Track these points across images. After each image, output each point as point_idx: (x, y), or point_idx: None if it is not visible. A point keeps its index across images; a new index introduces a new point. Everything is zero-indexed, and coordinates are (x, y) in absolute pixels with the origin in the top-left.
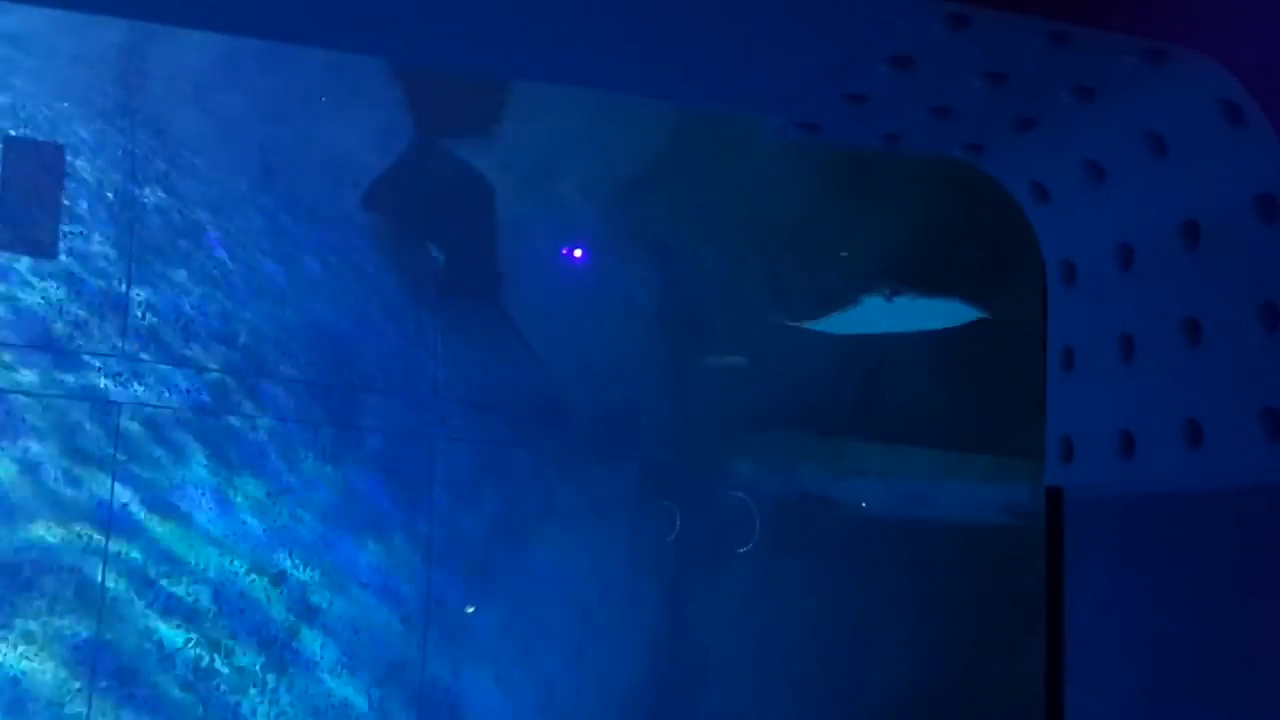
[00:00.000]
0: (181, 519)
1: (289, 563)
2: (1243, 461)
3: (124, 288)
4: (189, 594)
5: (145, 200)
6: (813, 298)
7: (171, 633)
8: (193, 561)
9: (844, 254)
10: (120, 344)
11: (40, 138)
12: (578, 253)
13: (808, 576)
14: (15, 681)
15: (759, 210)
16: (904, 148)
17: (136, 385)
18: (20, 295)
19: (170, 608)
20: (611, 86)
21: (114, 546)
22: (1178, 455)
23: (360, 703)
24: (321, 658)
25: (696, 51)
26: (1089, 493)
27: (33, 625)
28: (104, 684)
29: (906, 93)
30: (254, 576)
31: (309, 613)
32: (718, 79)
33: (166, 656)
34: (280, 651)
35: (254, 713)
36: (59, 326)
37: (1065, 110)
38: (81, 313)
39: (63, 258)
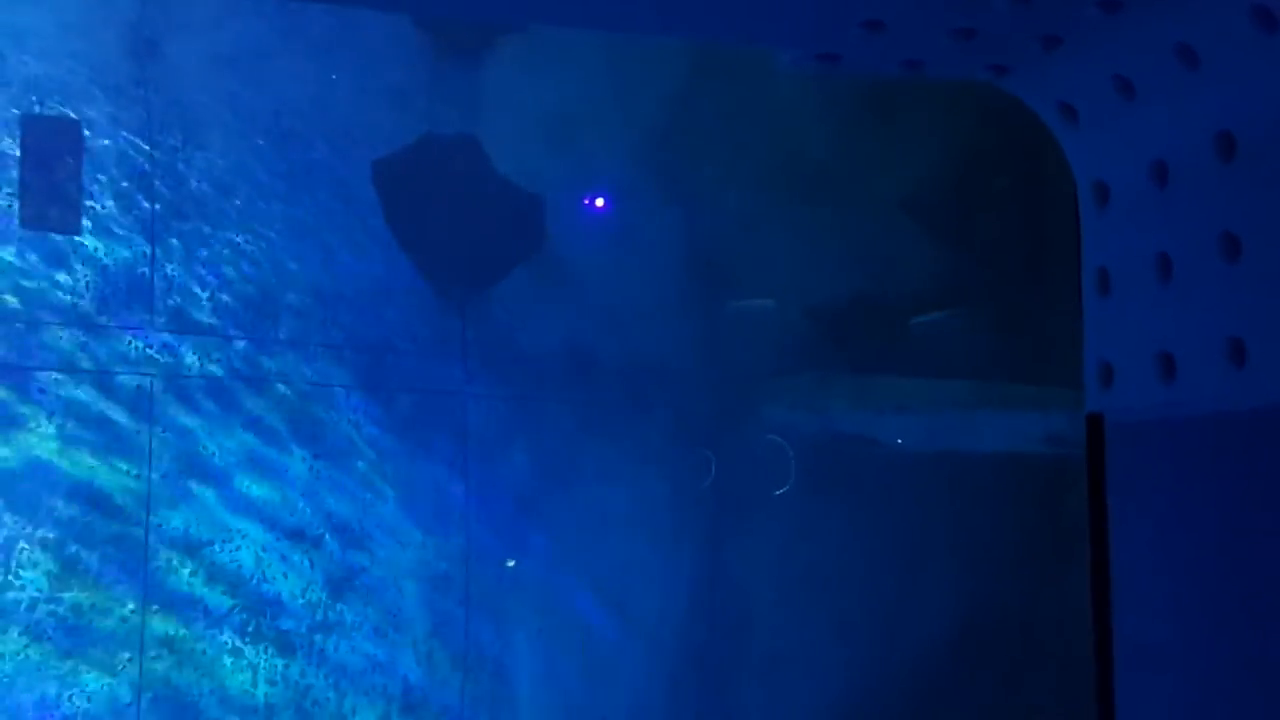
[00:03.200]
0: (218, 487)
1: (326, 527)
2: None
3: (148, 260)
4: (232, 561)
5: (164, 172)
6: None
7: (217, 599)
8: (233, 528)
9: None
10: (148, 316)
11: (56, 114)
12: (599, 202)
13: (846, 515)
14: (67, 653)
15: (780, 150)
16: (926, 73)
17: (165, 357)
18: (46, 272)
19: (214, 575)
20: (624, 27)
21: (154, 518)
22: (1220, 375)
23: (406, 660)
24: (365, 619)
25: None
26: (1130, 417)
27: (81, 597)
28: (153, 653)
29: (926, 16)
30: (293, 541)
31: (350, 575)
32: (731, 13)
33: (213, 623)
34: (325, 614)
35: (302, 674)
36: (86, 302)
37: (1092, 25)
38: (108, 287)
39: (86, 233)
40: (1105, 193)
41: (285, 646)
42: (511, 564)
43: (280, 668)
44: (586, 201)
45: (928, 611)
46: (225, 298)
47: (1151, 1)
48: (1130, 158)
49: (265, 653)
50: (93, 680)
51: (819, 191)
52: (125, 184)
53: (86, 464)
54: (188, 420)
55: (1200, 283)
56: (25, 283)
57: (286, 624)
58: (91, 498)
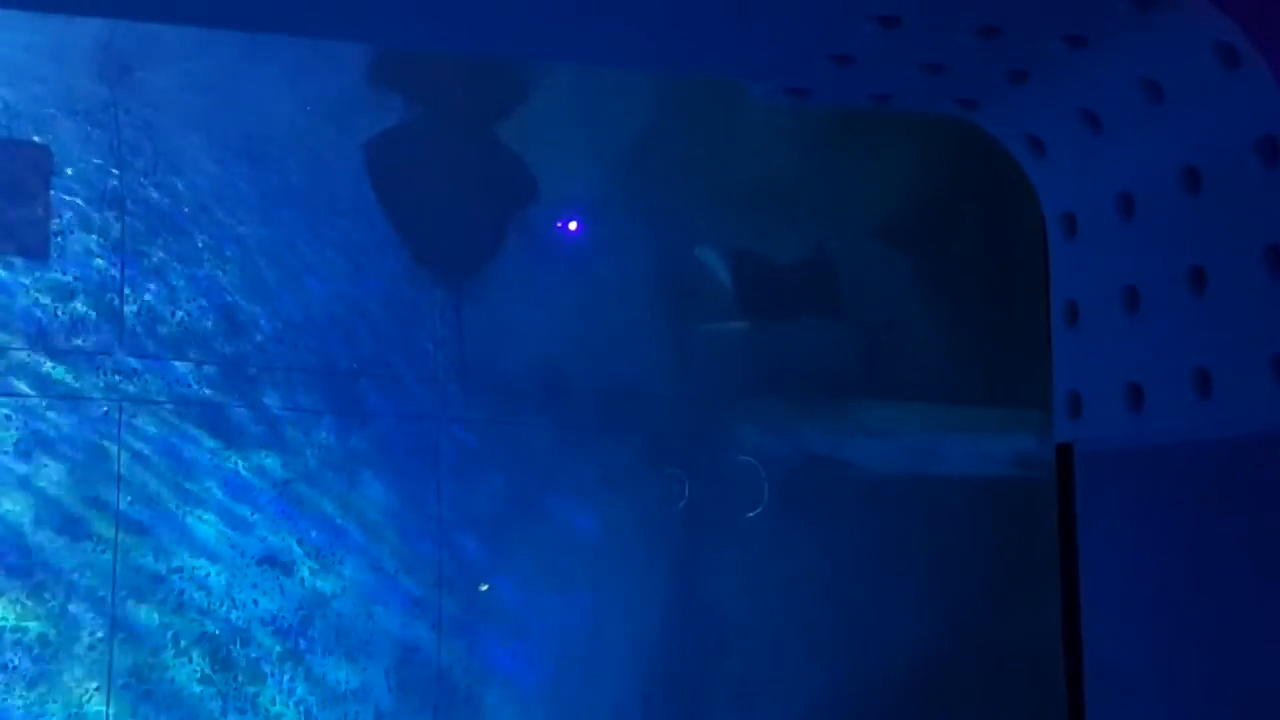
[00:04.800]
0: (187, 513)
1: (298, 553)
2: (1253, 409)
3: (119, 284)
4: (200, 587)
5: (134, 195)
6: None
7: (186, 625)
8: (202, 554)
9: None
10: (117, 341)
11: (22, 138)
12: (572, 225)
13: (819, 537)
14: (33, 683)
15: (751, 173)
16: (895, 107)
17: (136, 381)
18: (13, 298)
19: (184, 602)
20: (595, 61)
21: (124, 542)
22: (1187, 406)
23: (379, 685)
24: (337, 644)
25: (678, 20)
26: (1099, 447)
27: (48, 628)
28: (121, 681)
29: (895, 51)
30: (265, 566)
31: (322, 600)
32: (702, 48)
33: (182, 651)
34: (295, 639)
35: (273, 701)
36: (55, 327)
37: (1057, 60)
38: (76, 311)
39: (54, 258)
40: (1073, 225)
41: (255, 675)
42: (485, 588)
43: (250, 695)
44: (559, 224)
45: (900, 632)
46: (196, 322)
47: (1116, 37)
48: (1097, 191)
49: (234, 681)
50: (58, 710)
51: (790, 215)
52: (94, 208)
53: (53, 490)
54: (156, 445)
55: (1167, 314)
56: None
57: (256, 652)
58: (58, 524)
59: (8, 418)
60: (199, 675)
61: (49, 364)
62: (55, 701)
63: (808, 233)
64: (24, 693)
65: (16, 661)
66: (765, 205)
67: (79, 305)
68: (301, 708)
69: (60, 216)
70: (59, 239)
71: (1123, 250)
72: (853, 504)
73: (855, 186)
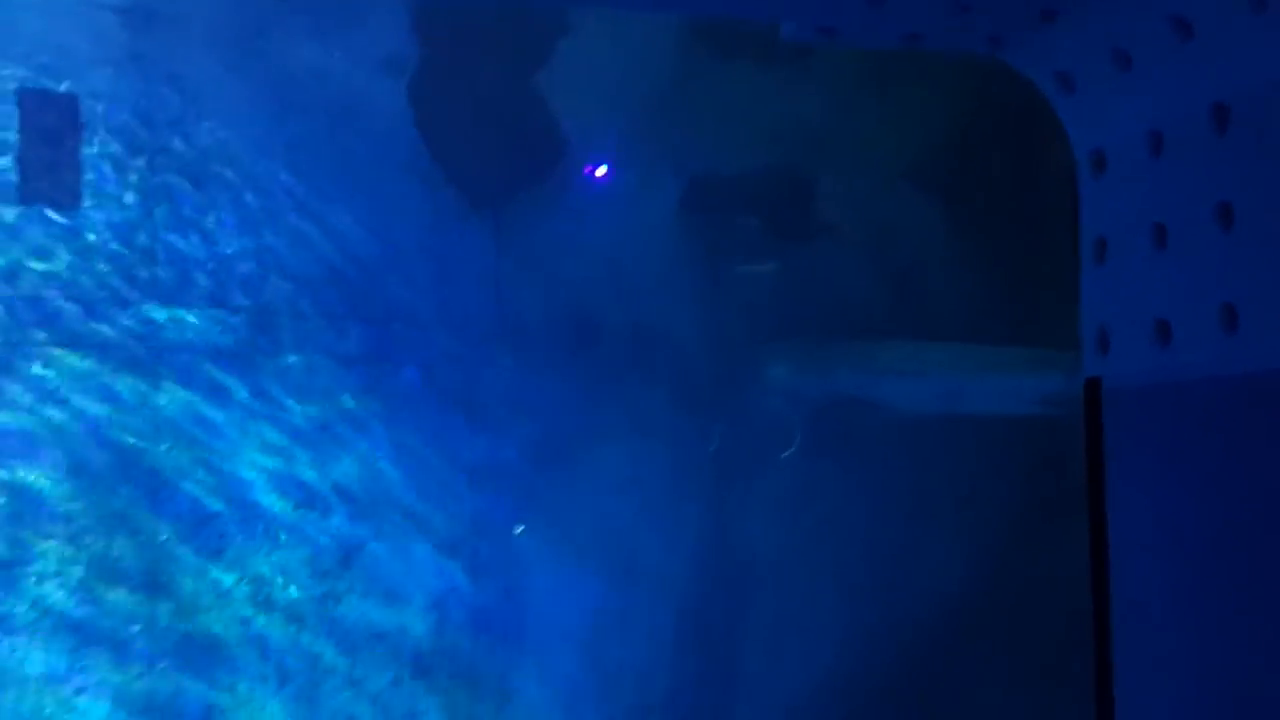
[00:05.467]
0: (225, 459)
1: (335, 496)
2: (1268, 347)
3: (149, 232)
4: (240, 532)
5: (163, 145)
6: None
7: (224, 572)
8: (239, 500)
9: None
10: (150, 289)
11: (53, 88)
12: (600, 171)
13: (849, 479)
14: (77, 627)
15: (779, 117)
16: (925, 46)
17: (170, 331)
18: (47, 248)
19: (222, 547)
20: (626, 5)
21: (164, 492)
22: (1214, 341)
23: (416, 628)
24: (374, 587)
25: None
26: (1126, 382)
27: (90, 573)
28: (164, 624)
29: None
30: (301, 512)
31: (359, 543)
32: None
33: (223, 594)
34: (334, 582)
35: (313, 641)
36: (87, 278)
37: (1089, 1)
38: (109, 260)
39: (86, 208)
40: (1102, 162)
41: (295, 615)
42: (520, 530)
43: (292, 634)
44: (588, 170)
45: (930, 572)
46: (227, 269)
47: None
48: (1127, 128)
49: (275, 622)
50: (105, 656)
51: (819, 158)
52: (124, 157)
53: (91, 438)
54: (193, 394)
55: (1194, 251)
56: (27, 258)
57: (296, 592)
58: (96, 472)
59: (45, 365)
60: (239, 617)
61: (82, 313)
62: (98, 645)
63: (837, 175)
64: (68, 634)
65: (60, 600)
66: (794, 148)
67: (110, 254)
68: (342, 647)
69: (91, 166)
70: (90, 189)
71: (1151, 187)
72: (882, 445)
73: (884, 129)
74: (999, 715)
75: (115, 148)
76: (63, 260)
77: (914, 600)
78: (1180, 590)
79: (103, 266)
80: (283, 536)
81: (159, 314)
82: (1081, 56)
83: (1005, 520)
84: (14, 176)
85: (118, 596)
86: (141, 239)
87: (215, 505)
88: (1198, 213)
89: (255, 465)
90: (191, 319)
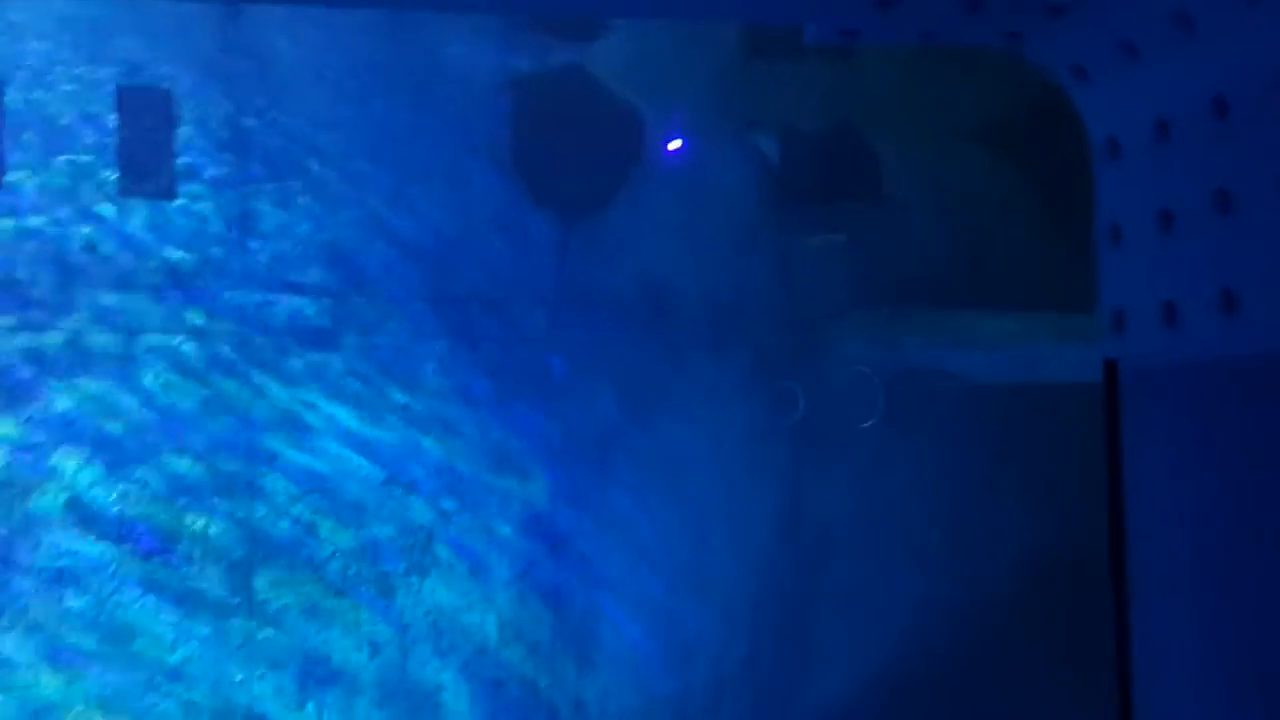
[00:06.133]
0: (317, 437)
1: (420, 471)
2: (1274, 324)
3: (241, 220)
4: (332, 508)
5: (252, 135)
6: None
7: (317, 545)
8: (330, 476)
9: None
10: (243, 274)
11: (148, 84)
12: (675, 144)
13: (924, 449)
14: (182, 598)
15: (848, 84)
16: (942, 41)
17: (262, 314)
18: (145, 237)
19: (315, 523)
20: (658, 14)
21: (259, 468)
22: (1215, 323)
23: (500, 598)
24: (459, 559)
25: None
26: (1140, 363)
27: (194, 548)
28: (261, 597)
29: None
30: (388, 488)
31: (444, 517)
32: None
33: (317, 565)
34: (420, 555)
35: (402, 613)
36: (185, 263)
37: None
38: (204, 248)
39: (180, 198)
40: (1116, 148)
41: (385, 588)
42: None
43: (382, 608)
44: (664, 146)
45: (1002, 541)
46: (317, 253)
47: None
48: (1136, 116)
49: (366, 594)
50: (205, 624)
51: (886, 125)
52: (215, 147)
53: (190, 418)
54: (284, 374)
55: (1197, 235)
56: (126, 248)
57: (385, 566)
58: (196, 452)
59: (149, 350)
60: (333, 589)
61: (180, 298)
62: (203, 616)
63: (905, 143)
64: (172, 608)
65: (164, 578)
66: (861, 117)
67: (201, 242)
68: (430, 618)
69: (182, 157)
70: (182, 179)
71: (1158, 173)
72: (955, 415)
73: (954, 93)
74: (1066, 685)
75: (207, 138)
76: (162, 246)
77: (987, 570)
78: (1193, 560)
79: (195, 253)
80: (369, 512)
81: (250, 299)
82: (1091, 48)
83: (1078, 489)
84: (115, 170)
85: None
86: (234, 225)
87: (305, 482)
88: (1199, 199)
89: (341, 441)
90: (282, 302)
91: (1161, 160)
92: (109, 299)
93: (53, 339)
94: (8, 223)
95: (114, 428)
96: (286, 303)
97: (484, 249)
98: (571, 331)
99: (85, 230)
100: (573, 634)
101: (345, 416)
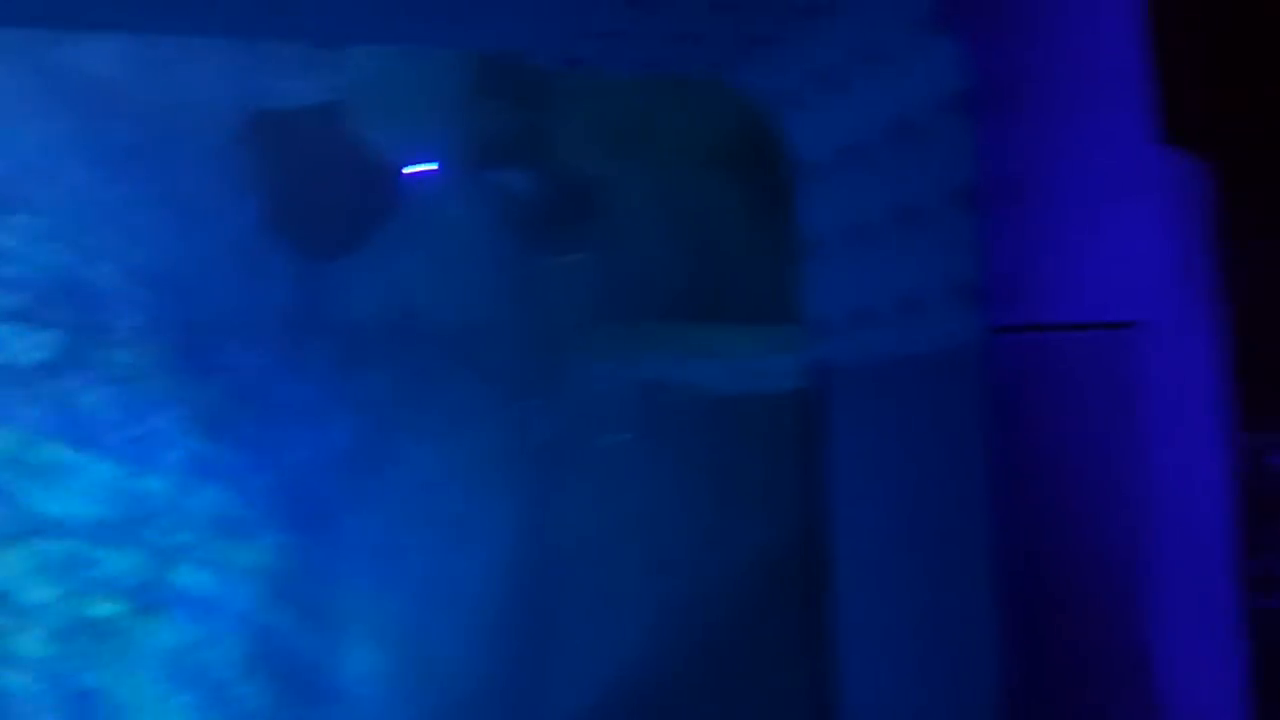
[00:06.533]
0: (40, 476)
1: (142, 510)
2: (943, 325)
3: None
4: (57, 549)
5: None
6: None
7: (40, 590)
8: (57, 516)
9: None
10: None
11: None
12: (417, 169)
13: (665, 460)
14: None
15: (586, 105)
16: (661, 71)
17: None
18: None
19: (39, 565)
20: (388, 40)
21: None
22: (896, 325)
23: (233, 632)
24: (188, 598)
25: (473, 6)
26: (836, 363)
27: None
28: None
29: (649, 27)
30: (111, 529)
31: (175, 554)
32: (486, 29)
33: (32, 611)
34: (149, 595)
35: (121, 659)
36: None
37: (791, 30)
38: None
39: None
40: (815, 169)
41: (101, 633)
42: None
43: (95, 657)
44: (407, 171)
45: (738, 548)
46: (37, 283)
47: (835, 13)
48: (832, 139)
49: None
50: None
51: (627, 152)
52: None
53: None
54: (5, 412)
55: (884, 247)
56: None
57: (107, 611)
58: None
59: None
60: (51, 635)
61: None
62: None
63: (649, 168)
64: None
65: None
66: (605, 141)
67: None
68: (158, 657)
69: None
70: None
71: (851, 191)
72: (695, 424)
73: (684, 114)
74: (804, 676)
75: None
76: None
77: (727, 571)
78: (884, 540)
79: None
80: (92, 553)
81: None
82: (791, 79)
83: (805, 488)
84: None
85: None
86: None
87: (18, 526)
88: (886, 214)
89: (67, 478)
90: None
91: (853, 179)
92: None
93: None
94: None
95: None
96: (8, 332)
97: (218, 278)
98: (314, 360)
99: None
100: (309, 664)
101: (69, 454)
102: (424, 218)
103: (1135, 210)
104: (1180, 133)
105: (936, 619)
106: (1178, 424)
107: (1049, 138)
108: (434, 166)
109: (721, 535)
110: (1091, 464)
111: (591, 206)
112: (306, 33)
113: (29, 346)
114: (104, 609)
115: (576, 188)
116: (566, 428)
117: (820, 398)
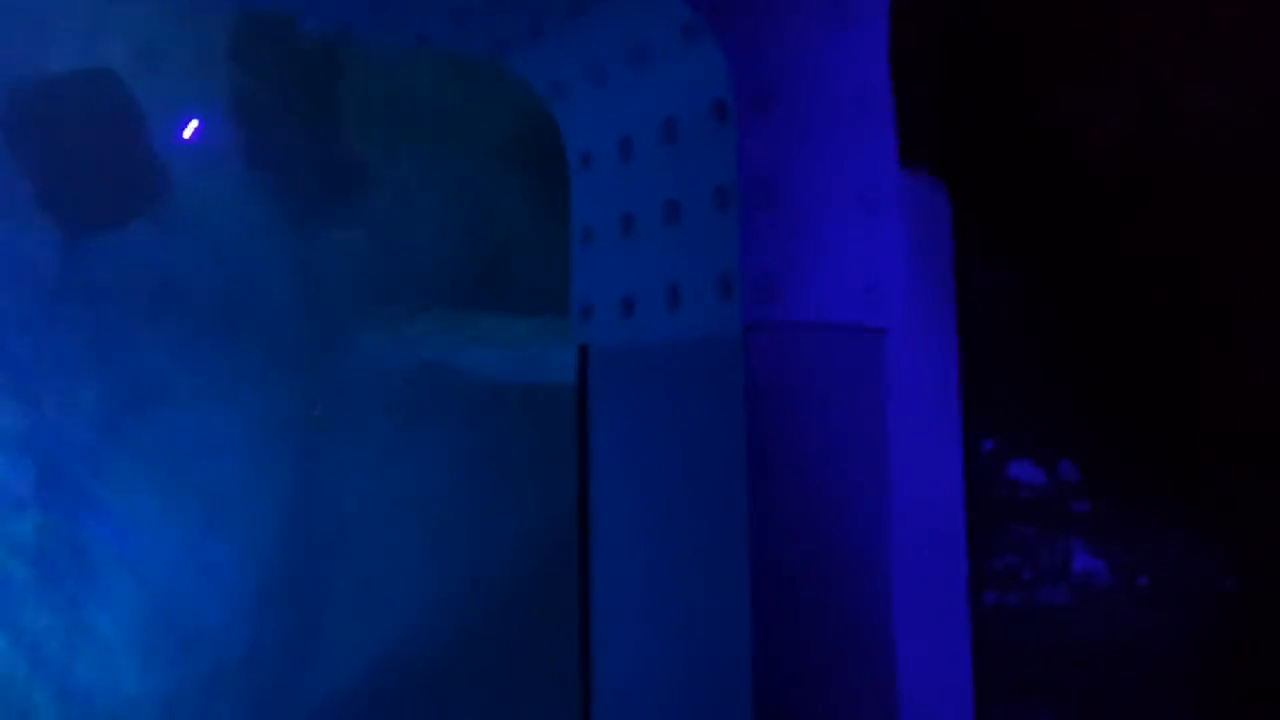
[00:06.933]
0: None
1: None
2: (705, 317)
3: None
4: None
5: None
6: None
7: None
8: None
9: None
10: None
11: None
12: (189, 131)
13: (439, 442)
14: None
15: (374, 93)
16: (435, 47)
17: None
18: None
19: None
20: None
21: None
22: (663, 314)
23: None
24: None
25: None
26: (602, 348)
27: None
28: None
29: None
30: None
31: None
32: None
33: None
34: None
35: None
36: None
37: (565, 21)
38: None
39: None
40: (588, 160)
41: None
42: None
43: None
44: (178, 133)
45: (512, 531)
46: None
47: (606, 7)
48: (604, 132)
49: None
50: None
51: (415, 130)
52: None
53: None
54: None
55: (650, 239)
56: None
57: None
58: None
59: None
60: None
61: None
62: None
63: (425, 144)
64: None
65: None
66: (383, 112)
67: None
68: None
69: None
70: None
71: (621, 184)
72: (470, 407)
73: (473, 99)
74: (574, 660)
75: None
76: None
77: (501, 555)
78: (643, 521)
79: None
80: None
81: None
82: (566, 69)
83: (583, 479)
84: None
85: None
86: None
87: None
88: (653, 208)
89: None
90: None
91: (624, 172)
92: None
93: None
94: None
95: None
96: None
97: None
98: (75, 325)
99: None
100: (62, 621)
101: None
102: (195, 185)
103: (880, 224)
104: (917, 156)
105: (692, 604)
106: (917, 429)
107: (803, 147)
108: (202, 129)
109: (497, 519)
110: (837, 461)
111: (366, 182)
112: None
113: None
114: None
115: (352, 162)
116: (340, 403)
117: (586, 384)
